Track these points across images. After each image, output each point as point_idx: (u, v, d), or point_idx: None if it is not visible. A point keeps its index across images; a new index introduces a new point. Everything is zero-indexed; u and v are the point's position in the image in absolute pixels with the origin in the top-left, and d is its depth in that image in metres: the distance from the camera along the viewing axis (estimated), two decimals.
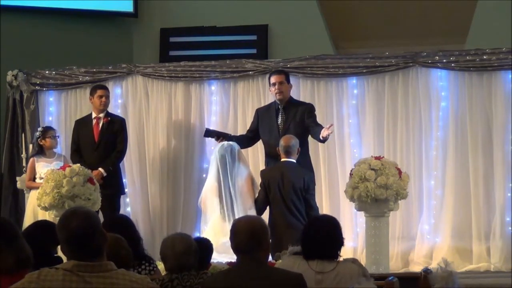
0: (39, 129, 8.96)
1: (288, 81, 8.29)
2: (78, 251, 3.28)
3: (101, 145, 8.77)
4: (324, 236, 4.77)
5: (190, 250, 4.78)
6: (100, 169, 8.56)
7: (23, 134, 9.44)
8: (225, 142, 8.08)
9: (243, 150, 8.27)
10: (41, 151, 8.72)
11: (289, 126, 8.11)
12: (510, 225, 8.43)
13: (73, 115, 9.55)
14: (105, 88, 8.95)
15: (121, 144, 8.82)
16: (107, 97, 8.87)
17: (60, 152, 9.00)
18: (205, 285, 4.38)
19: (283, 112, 8.22)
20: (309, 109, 8.23)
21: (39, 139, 8.74)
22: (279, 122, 8.21)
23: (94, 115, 8.87)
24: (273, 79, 8.24)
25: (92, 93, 8.92)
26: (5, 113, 9.72)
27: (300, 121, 8.12)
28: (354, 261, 4.99)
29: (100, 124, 8.82)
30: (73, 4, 10.91)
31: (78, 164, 8.12)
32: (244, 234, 4.17)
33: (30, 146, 9.15)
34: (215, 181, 7.90)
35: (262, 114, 8.37)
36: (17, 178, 9.01)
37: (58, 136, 8.91)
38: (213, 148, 8.65)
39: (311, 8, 10.97)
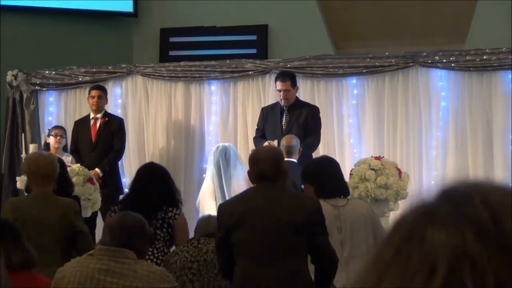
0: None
1: (294, 85, 8.30)
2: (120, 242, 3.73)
3: (98, 145, 8.77)
4: (336, 175, 5.36)
5: None
6: (96, 169, 8.56)
7: (23, 134, 9.45)
8: (221, 144, 8.09)
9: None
10: (47, 150, 8.73)
11: (291, 127, 8.13)
12: None
13: (73, 115, 9.56)
14: (99, 89, 8.93)
15: (118, 144, 8.82)
16: (100, 97, 8.84)
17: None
18: (223, 206, 4.71)
19: (287, 113, 8.24)
20: (312, 112, 8.26)
21: (46, 137, 8.82)
22: (283, 123, 8.23)
23: (92, 115, 8.88)
24: (278, 86, 8.25)
25: (88, 94, 8.95)
26: (5, 113, 9.72)
27: (303, 123, 8.14)
28: (361, 199, 5.37)
29: (98, 125, 8.82)
30: (73, 4, 10.91)
31: (78, 164, 8.13)
32: (267, 162, 4.50)
33: (30, 146, 9.14)
34: (211, 183, 7.94)
35: (267, 113, 8.39)
36: (17, 178, 9.00)
37: (63, 136, 8.88)
38: (213, 148, 8.66)
39: (311, 8, 10.97)
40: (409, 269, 0.67)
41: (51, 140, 8.70)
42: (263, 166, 4.48)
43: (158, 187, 5.76)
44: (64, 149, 8.82)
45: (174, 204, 5.83)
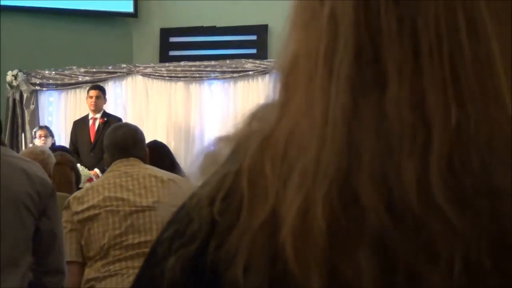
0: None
1: None
2: None
3: (97, 145, 8.76)
4: None
5: None
6: (96, 170, 8.56)
7: (23, 134, 9.45)
8: None
9: None
10: None
11: None
12: None
13: (73, 115, 9.56)
14: (98, 89, 8.92)
15: None
16: (98, 97, 8.82)
17: None
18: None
19: None
20: None
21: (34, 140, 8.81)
22: None
23: (91, 115, 8.88)
24: None
25: (87, 94, 8.95)
26: (5, 113, 9.72)
27: None
28: None
29: (97, 125, 8.83)
30: (73, 4, 10.91)
31: (78, 164, 8.13)
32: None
33: (30, 145, 9.15)
34: None
35: None
36: None
37: (47, 136, 8.83)
38: None
39: None
40: None
41: (37, 142, 8.70)
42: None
43: (167, 164, 5.84)
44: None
45: None
